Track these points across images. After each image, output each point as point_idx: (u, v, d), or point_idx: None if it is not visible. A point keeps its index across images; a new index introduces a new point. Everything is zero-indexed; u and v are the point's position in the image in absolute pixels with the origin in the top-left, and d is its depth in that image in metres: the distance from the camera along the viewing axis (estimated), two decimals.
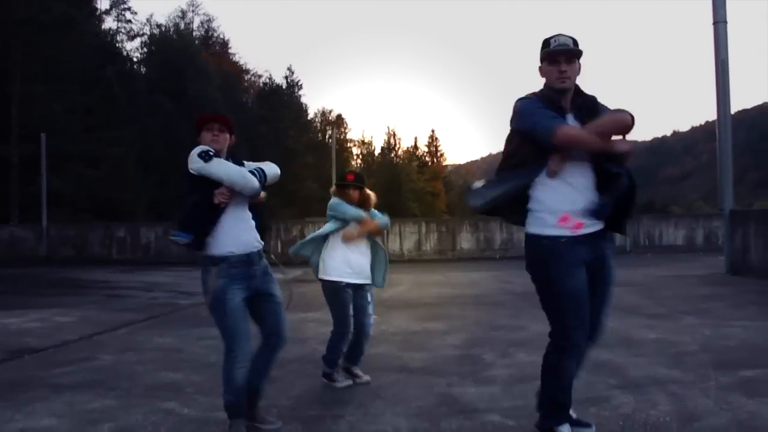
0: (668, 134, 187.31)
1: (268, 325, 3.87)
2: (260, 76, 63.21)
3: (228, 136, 3.83)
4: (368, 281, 5.20)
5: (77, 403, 4.65)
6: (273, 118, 55.22)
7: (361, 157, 77.19)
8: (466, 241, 22.59)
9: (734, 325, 7.34)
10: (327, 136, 59.07)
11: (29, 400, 4.74)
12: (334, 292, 5.07)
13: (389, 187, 60.87)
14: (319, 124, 70.98)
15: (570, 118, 3.45)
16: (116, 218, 27.96)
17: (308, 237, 5.27)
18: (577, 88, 3.52)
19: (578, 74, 3.48)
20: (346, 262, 5.08)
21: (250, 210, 3.81)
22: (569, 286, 3.42)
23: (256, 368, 3.82)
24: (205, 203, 3.61)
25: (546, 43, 3.46)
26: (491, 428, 3.98)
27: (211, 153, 3.66)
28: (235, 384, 3.72)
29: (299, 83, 65.46)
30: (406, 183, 70.12)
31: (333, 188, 5.34)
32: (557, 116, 3.38)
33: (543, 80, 3.53)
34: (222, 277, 3.65)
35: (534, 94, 3.55)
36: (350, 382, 5.11)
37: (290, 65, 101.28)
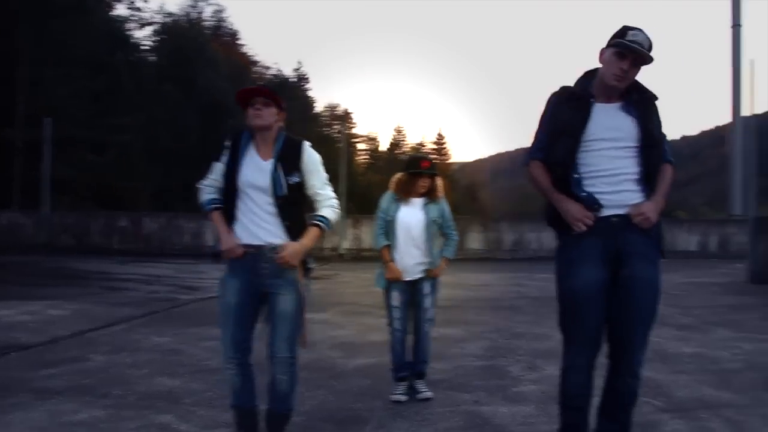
0: (677, 138, 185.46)
1: (268, 339, 3.33)
2: (268, 68, 62.60)
3: (275, 110, 3.33)
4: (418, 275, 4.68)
5: (62, 413, 4.15)
6: None
7: (367, 153, 76.55)
8: (475, 241, 22.04)
9: None
10: (336, 131, 58.55)
11: (9, 407, 4.25)
12: None
13: None
14: (326, 119, 70.39)
15: (616, 107, 3.06)
16: (119, 207, 27.48)
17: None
18: (636, 83, 3.08)
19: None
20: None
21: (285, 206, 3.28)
22: (567, 284, 3.07)
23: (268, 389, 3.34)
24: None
25: (623, 32, 2.97)
26: None
27: (226, 145, 3.35)
28: (230, 387, 3.35)
29: (307, 77, 65.00)
30: None
31: (400, 175, 4.74)
32: (542, 148, 3.13)
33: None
34: (227, 267, 3.31)
35: (565, 86, 3.21)
36: (402, 397, 4.58)
37: (299, 59, 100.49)
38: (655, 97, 3.11)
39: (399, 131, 79.44)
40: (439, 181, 4.73)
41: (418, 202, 4.67)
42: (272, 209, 3.23)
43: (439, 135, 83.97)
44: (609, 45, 3.01)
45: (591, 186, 2.98)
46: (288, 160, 3.29)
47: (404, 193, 4.65)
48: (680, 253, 21.66)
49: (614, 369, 3.11)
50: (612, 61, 2.98)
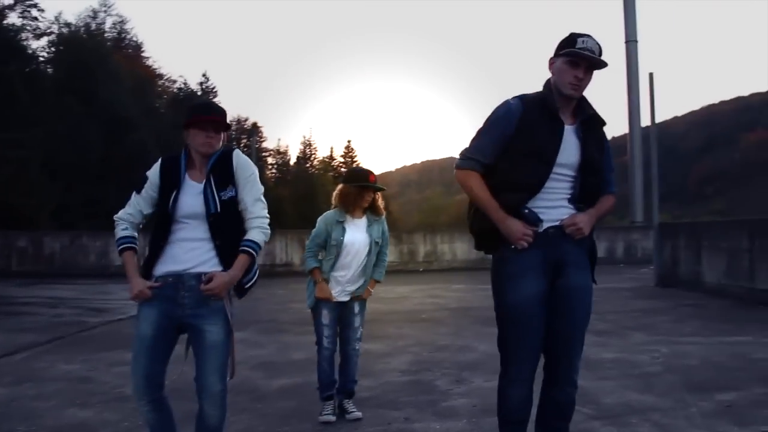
0: None
1: (196, 372, 3.03)
2: (174, 82, 61.02)
3: (222, 136, 3.07)
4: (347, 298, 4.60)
5: None
6: None
7: (275, 166, 75.59)
8: (389, 253, 21.89)
9: (686, 342, 7.14)
10: (243, 144, 57.57)
11: None
12: None
13: (304, 197, 59.73)
14: (233, 132, 69.20)
15: (569, 131, 2.98)
16: (17, 226, 26.03)
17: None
18: (585, 100, 3.04)
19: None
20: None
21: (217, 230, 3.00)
22: (509, 299, 2.98)
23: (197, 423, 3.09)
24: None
25: (572, 40, 2.91)
26: None
27: (144, 180, 3.08)
28: (145, 423, 3.04)
29: (214, 89, 63.65)
30: (321, 194, 68.84)
31: (344, 187, 4.55)
32: (481, 160, 2.99)
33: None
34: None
35: (527, 96, 3.04)
36: (331, 418, 4.41)
37: (205, 71, 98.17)
38: (603, 122, 3.10)
39: (308, 144, 78.78)
40: (380, 198, 4.63)
41: (361, 222, 4.56)
42: (205, 233, 2.98)
43: (348, 147, 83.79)
44: (559, 54, 2.95)
45: (530, 201, 2.94)
46: (220, 174, 3.03)
47: (350, 207, 4.51)
48: None
49: (552, 379, 3.05)
50: (564, 69, 2.92)
